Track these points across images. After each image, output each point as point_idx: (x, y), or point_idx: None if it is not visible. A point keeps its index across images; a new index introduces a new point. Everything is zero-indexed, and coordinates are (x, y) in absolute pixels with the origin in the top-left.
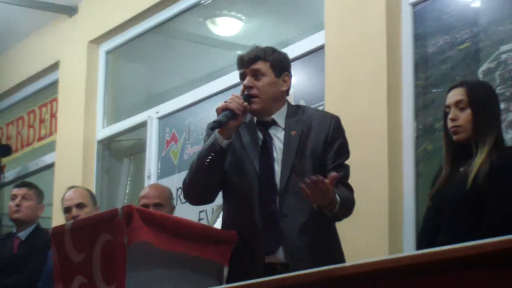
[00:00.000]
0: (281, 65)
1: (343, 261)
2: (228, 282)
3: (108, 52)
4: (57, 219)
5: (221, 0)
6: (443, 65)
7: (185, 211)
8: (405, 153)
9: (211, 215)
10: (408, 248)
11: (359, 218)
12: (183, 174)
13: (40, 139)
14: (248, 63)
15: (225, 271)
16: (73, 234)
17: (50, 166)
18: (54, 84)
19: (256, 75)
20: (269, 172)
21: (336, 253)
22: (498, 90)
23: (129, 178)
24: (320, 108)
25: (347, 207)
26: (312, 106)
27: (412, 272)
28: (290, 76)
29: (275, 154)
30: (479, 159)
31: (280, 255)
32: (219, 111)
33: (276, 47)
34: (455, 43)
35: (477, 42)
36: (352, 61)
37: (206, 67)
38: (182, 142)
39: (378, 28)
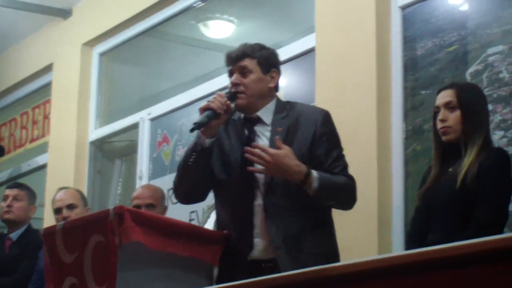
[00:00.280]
0: (268, 62)
1: (335, 257)
2: (218, 281)
3: (101, 54)
4: (49, 220)
5: (213, 3)
6: (432, 67)
7: (176, 212)
8: (394, 154)
9: (202, 215)
10: (397, 248)
11: (348, 218)
12: (175, 175)
13: (32, 140)
14: (235, 60)
15: (215, 271)
16: (64, 235)
17: (43, 167)
18: (47, 86)
19: (243, 72)
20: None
21: (328, 249)
22: (486, 92)
23: (120, 179)
24: None
25: (336, 190)
26: None
27: (401, 272)
28: (278, 72)
29: None
30: (468, 159)
31: (264, 251)
32: (202, 110)
33: None
34: (443, 46)
35: (465, 44)
36: (342, 64)
37: (198, 69)
38: (173, 143)
39: (368, 31)
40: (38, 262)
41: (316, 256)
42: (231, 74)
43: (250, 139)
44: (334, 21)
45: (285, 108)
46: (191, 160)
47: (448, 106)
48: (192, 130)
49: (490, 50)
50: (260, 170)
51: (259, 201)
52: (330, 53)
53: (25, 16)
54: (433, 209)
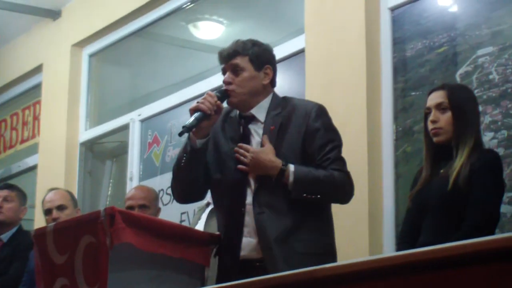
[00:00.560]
0: (261, 59)
1: (331, 257)
2: (217, 281)
3: (91, 55)
4: (40, 221)
5: (203, 4)
6: (422, 69)
7: (167, 213)
8: (384, 155)
9: (193, 216)
10: (388, 249)
11: (339, 219)
12: (165, 176)
13: (23, 141)
14: (227, 58)
15: (207, 272)
16: (55, 236)
17: (33, 168)
18: (37, 87)
19: (235, 70)
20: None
21: (323, 249)
22: (476, 93)
23: (111, 180)
24: None
25: (316, 184)
26: None
27: (393, 273)
28: (272, 68)
29: None
30: (459, 161)
31: (255, 251)
32: (191, 111)
33: None
34: (433, 47)
35: (455, 46)
36: (332, 65)
37: (188, 70)
38: (164, 144)
39: (358, 32)
40: (29, 263)
41: (309, 256)
42: (224, 72)
43: (244, 137)
44: (323, 22)
45: (280, 104)
46: (183, 161)
47: (439, 107)
48: (181, 134)
49: (480, 52)
50: (246, 169)
51: (250, 200)
52: (320, 54)
53: (15, 17)
54: (425, 210)
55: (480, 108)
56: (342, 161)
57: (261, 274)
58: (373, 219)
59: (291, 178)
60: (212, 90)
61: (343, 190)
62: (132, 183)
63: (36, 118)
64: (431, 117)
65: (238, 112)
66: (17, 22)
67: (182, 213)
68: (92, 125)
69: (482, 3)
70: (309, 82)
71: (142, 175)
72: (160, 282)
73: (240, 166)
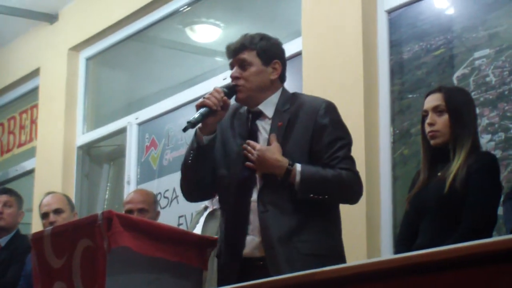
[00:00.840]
0: (268, 53)
1: (337, 259)
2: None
3: (88, 59)
4: (37, 225)
5: (199, 7)
6: (418, 71)
7: (165, 216)
8: (381, 158)
9: (191, 220)
10: (386, 251)
11: None
12: (163, 180)
13: (20, 145)
14: (234, 52)
15: (205, 275)
16: (53, 240)
17: (30, 172)
18: (34, 91)
19: (243, 65)
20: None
21: (328, 251)
22: (472, 96)
23: (108, 184)
24: None
25: (323, 184)
26: None
27: (390, 276)
28: (281, 63)
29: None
30: (457, 163)
31: (257, 249)
32: (197, 107)
33: None
34: (430, 50)
35: (452, 48)
36: (329, 68)
37: (185, 73)
38: (161, 147)
39: (354, 35)
40: (25, 267)
41: (312, 258)
42: (231, 67)
43: (252, 134)
44: (320, 25)
45: (289, 100)
46: (190, 158)
47: (436, 110)
48: (185, 130)
49: (477, 54)
50: (253, 166)
51: (255, 197)
52: (317, 57)
53: (12, 21)
54: (422, 213)
55: (477, 111)
56: (351, 160)
57: (262, 274)
58: (370, 221)
59: (297, 178)
60: None
61: (352, 190)
62: (130, 186)
63: (33, 121)
64: (428, 120)
65: (246, 107)
66: (14, 26)
67: (179, 217)
68: (89, 128)
69: (478, 5)
70: (306, 85)
71: (140, 179)
72: (158, 285)
73: (247, 163)
